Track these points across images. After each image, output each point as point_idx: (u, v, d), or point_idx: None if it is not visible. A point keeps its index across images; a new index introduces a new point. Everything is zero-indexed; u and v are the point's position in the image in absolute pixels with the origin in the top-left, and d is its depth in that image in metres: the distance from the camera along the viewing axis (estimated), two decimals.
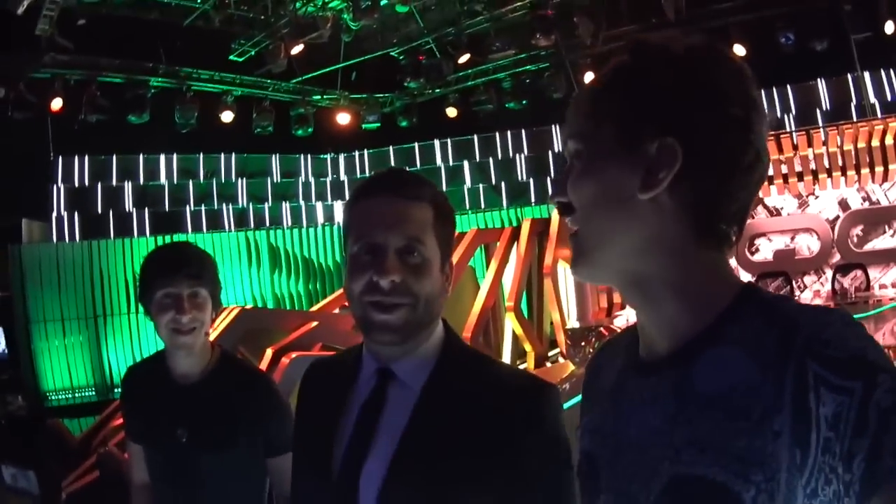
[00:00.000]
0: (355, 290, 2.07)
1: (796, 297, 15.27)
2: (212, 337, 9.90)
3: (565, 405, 2.21)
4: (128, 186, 21.08)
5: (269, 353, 10.25)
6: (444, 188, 22.13)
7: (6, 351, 17.03)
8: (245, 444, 3.28)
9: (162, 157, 21.62)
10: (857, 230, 16.54)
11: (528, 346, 13.33)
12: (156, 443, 3.39)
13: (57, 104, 16.78)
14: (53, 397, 17.80)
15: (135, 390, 3.57)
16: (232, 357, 3.63)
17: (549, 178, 21.96)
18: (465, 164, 23.53)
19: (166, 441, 3.30)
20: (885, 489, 1.17)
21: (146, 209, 21.02)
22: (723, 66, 1.43)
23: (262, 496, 3.43)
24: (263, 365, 10.02)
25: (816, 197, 16.87)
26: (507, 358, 13.42)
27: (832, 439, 1.22)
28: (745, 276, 16.42)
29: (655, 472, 1.40)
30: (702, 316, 1.43)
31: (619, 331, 1.60)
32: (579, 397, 1.79)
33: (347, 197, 2.38)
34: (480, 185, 23.29)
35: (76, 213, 20.12)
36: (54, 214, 19.95)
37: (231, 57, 18.82)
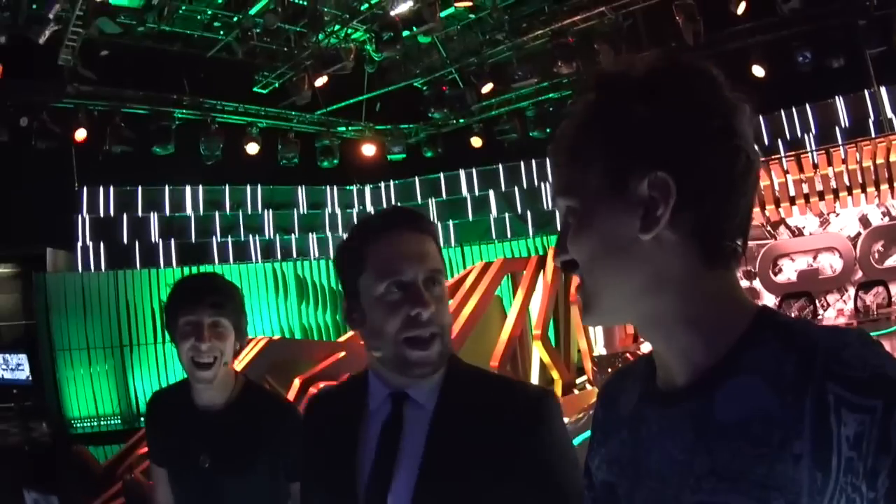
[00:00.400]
0: (391, 329, 2.11)
1: (819, 316, 15.39)
2: (239, 367, 9.99)
3: None
4: (153, 217, 21.23)
5: (296, 383, 10.31)
6: (470, 218, 22.29)
7: (30, 378, 17.11)
8: (267, 470, 3.31)
9: (188, 189, 21.78)
10: (878, 246, 16.46)
11: (555, 374, 13.33)
12: (180, 468, 3.42)
13: (81, 135, 16.90)
14: (78, 425, 17.85)
15: (159, 416, 3.61)
16: (255, 385, 3.65)
17: None
18: (491, 193, 23.54)
19: (190, 467, 3.33)
20: None
21: (172, 240, 21.14)
22: (691, 79, 1.40)
23: None
24: (291, 395, 10.07)
25: (837, 215, 16.82)
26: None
27: (854, 459, 1.21)
28: (770, 298, 16.42)
29: (677, 502, 1.39)
30: (718, 344, 1.41)
31: None
32: None
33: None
34: (506, 214, 23.26)
35: (101, 243, 20.24)
36: (79, 244, 20.08)
37: (255, 89, 18.97)
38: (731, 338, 1.39)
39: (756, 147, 1.43)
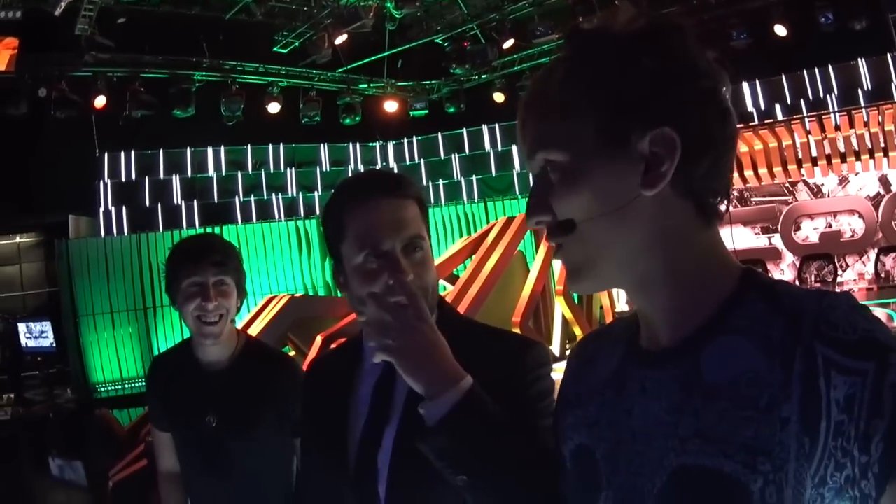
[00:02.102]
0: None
1: (839, 279, 15.35)
2: (261, 325, 9.95)
3: None
4: (175, 179, 21.30)
5: (318, 340, 10.29)
6: (493, 173, 22.23)
7: (54, 345, 17.23)
8: (273, 426, 3.34)
9: (209, 150, 21.84)
10: None
11: (577, 330, 13.35)
12: (186, 429, 3.45)
13: (100, 102, 16.95)
14: (103, 389, 18.01)
15: (163, 379, 3.62)
16: (257, 343, 3.70)
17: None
18: (514, 148, 23.28)
19: (197, 427, 3.36)
20: None
21: (195, 201, 21.21)
22: (681, 38, 1.38)
23: (290, 476, 3.47)
24: (313, 351, 10.09)
25: (857, 174, 16.72)
26: (556, 341, 13.44)
27: (845, 422, 1.20)
28: (790, 258, 16.37)
29: (660, 465, 1.38)
30: (704, 304, 1.40)
31: None
32: None
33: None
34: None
35: (124, 208, 20.34)
36: (101, 209, 20.20)
37: (275, 49, 18.92)
38: (717, 298, 1.40)
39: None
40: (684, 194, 1.37)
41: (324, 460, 2.27)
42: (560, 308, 13.40)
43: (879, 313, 12.01)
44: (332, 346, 10.04)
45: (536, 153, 1.43)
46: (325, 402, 2.31)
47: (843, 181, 16.79)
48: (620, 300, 14.60)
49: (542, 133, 1.43)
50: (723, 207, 1.43)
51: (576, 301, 13.73)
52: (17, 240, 20.60)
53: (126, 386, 18.17)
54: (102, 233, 19.77)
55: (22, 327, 17.58)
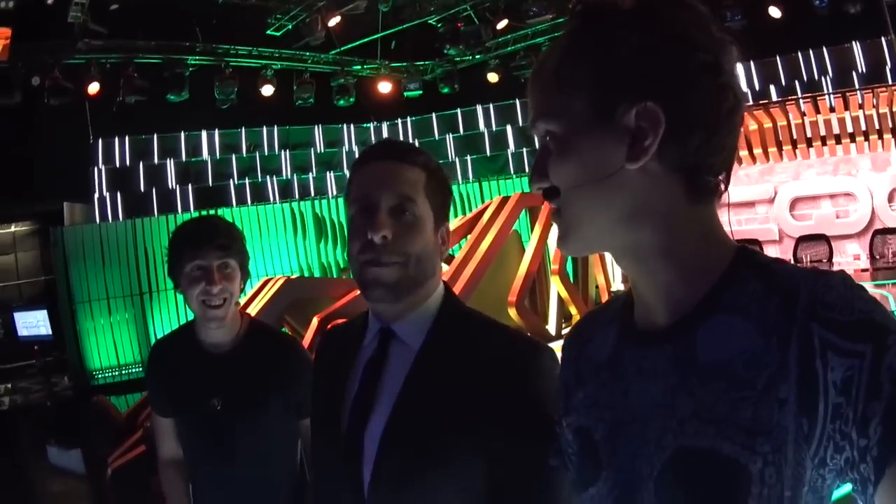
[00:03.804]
0: (353, 251, 2.12)
1: (835, 261, 15.34)
2: (257, 308, 9.93)
3: None
4: (170, 164, 21.27)
5: (314, 321, 10.28)
6: (488, 153, 22.19)
7: (51, 333, 17.23)
8: (277, 408, 3.32)
9: (204, 134, 21.81)
10: None
11: (573, 310, 13.31)
12: (190, 413, 3.42)
13: (94, 88, 16.92)
14: (100, 376, 18.02)
15: (166, 363, 3.58)
16: (260, 324, 3.66)
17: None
18: (508, 128, 23.42)
19: (201, 411, 3.33)
20: None
21: (189, 185, 21.21)
22: (679, 12, 1.37)
23: (295, 458, 3.47)
24: (309, 333, 10.09)
25: (850, 156, 16.65)
26: (552, 321, 13.45)
27: (843, 405, 1.20)
28: (788, 240, 16.35)
29: (659, 446, 1.38)
30: (699, 282, 1.40)
31: None
32: None
33: None
34: (524, 149, 23.16)
35: (118, 193, 20.33)
36: (96, 195, 20.18)
37: (268, 31, 18.82)
38: (712, 276, 1.40)
39: (744, 89, 1.44)
40: (674, 169, 1.37)
41: (321, 437, 2.28)
42: (556, 287, 13.37)
43: (877, 294, 12.04)
44: (335, 322, 10.11)
45: (537, 123, 1.46)
46: (328, 378, 2.31)
47: (840, 165, 16.73)
48: (616, 279, 14.61)
49: (541, 103, 1.45)
50: (723, 185, 1.43)
51: (571, 280, 13.73)
52: (13, 228, 20.55)
53: (123, 372, 18.20)
54: (97, 219, 19.75)
55: (18, 316, 17.59)
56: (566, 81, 1.41)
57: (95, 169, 20.30)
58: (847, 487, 1.25)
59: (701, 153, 1.36)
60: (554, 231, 11.94)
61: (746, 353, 1.29)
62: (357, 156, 2.23)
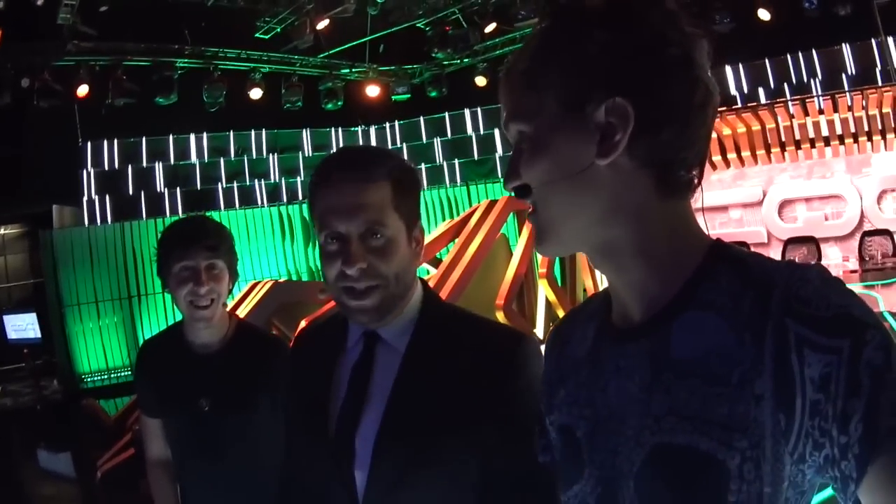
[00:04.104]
0: (329, 278, 2.11)
1: (824, 263, 15.32)
2: (245, 311, 9.89)
3: None
4: (158, 167, 21.26)
5: (302, 324, 10.26)
6: (476, 157, 22.18)
7: (40, 336, 17.18)
8: (266, 409, 3.31)
9: (192, 137, 21.78)
10: (887, 196, 16.27)
11: (561, 313, 13.24)
12: (178, 414, 3.41)
13: (83, 90, 16.87)
14: (89, 379, 17.95)
15: (153, 364, 3.57)
16: (248, 325, 3.66)
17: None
18: (496, 132, 23.42)
19: (189, 411, 3.32)
20: (886, 449, 1.14)
21: (178, 188, 21.20)
22: (649, 9, 1.37)
23: (282, 458, 3.47)
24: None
25: (839, 158, 16.67)
26: (540, 324, 13.44)
27: (822, 401, 1.19)
28: (777, 242, 16.38)
29: (637, 443, 1.38)
30: (673, 278, 1.40)
31: None
32: None
33: None
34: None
35: (107, 196, 20.30)
36: (85, 198, 20.14)
37: (257, 35, 18.81)
38: (685, 271, 1.39)
39: (714, 80, 1.42)
40: (646, 165, 1.37)
41: (304, 437, 2.27)
42: (543, 291, 13.35)
43: (866, 296, 12.06)
44: (315, 319, 10.10)
45: (510, 124, 1.47)
46: (308, 380, 2.31)
47: (829, 168, 16.75)
48: (603, 283, 14.58)
49: (513, 104, 1.46)
50: (696, 181, 1.43)
51: (559, 283, 13.72)
52: (1, 231, 20.50)
53: (112, 375, 18.13)
54: (86, 222, 19.72)
55: (7, 319, 17.55)
56: (536, 81, 1.41)
57: (84, 171, 20.27)
58: (829, 491, 1.25)
59: (673, 147, 1.36)
60: None
61: (720, 349, 1.29)
62: (316, 168, 2.20)
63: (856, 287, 11.54)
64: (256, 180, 22.40)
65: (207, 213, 14.90)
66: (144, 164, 21.11)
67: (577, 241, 1.46)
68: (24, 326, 17.54)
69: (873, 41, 17.62)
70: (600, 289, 5.97)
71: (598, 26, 1.35)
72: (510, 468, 1.98)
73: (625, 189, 1.38)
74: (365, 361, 2.18)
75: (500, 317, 12.01)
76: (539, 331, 13.23)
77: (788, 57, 18.72)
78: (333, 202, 2.09)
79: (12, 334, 17.52)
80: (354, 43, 20.31)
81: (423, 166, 23.17)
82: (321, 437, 2.16)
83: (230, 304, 11.59)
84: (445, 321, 2.24)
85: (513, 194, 1.48)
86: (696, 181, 1.42)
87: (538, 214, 1.45)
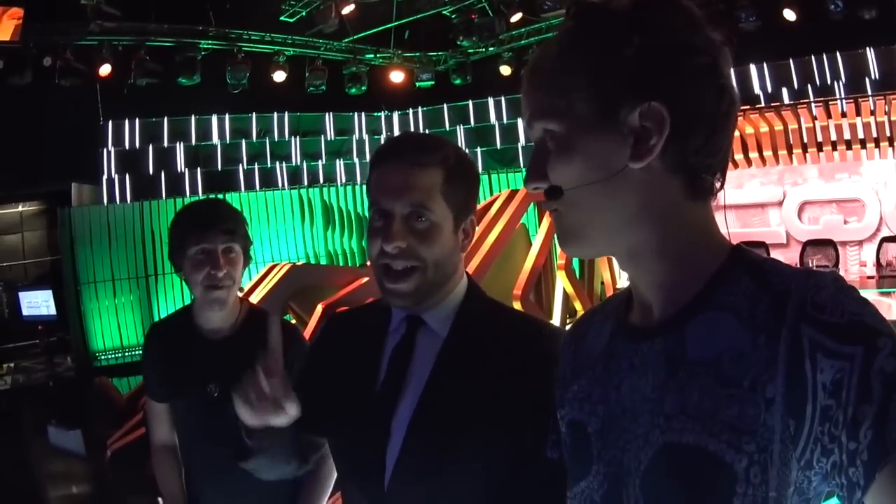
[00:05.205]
0: (371, 253, 2.17)
1: (841, 266, 15.27)
2: (262, 294, 9.88)
3: None
4: (179, 147, 21.26)
5: (319, 308, 10.27)
6: (498, 145, 22.13)
7: (55, 313, 17.23)
8: None
9: (214, 118, 21.74)
10: None
11: (578, 305, 13.25)
12: (187, 398, 3.43)
13: (105, 70, 16.88)
14: (102, 357, 18.00)
15: (163, 347, 3.58)
16: (259, 310, 3.63)
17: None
18: (519, 121, 23.17)
19: (198, 396, 3.33)
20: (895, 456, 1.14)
21: (198, 169, 21.23)
22: (676, 14, 1.38)
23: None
24: (313, 320, 10.07)
25: (860, 162, 16.58)
26: (557, 316, 13.41)
27: (832, 407, 1.19)
28: (795, 244, 16.31)
29: (646, 441, 1.39)
30: (694, 280, 1.41)
31: None
32: None
33: None
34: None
35: (127, 175, 20.36)
36: (105, 177, 20.18)
37: (282, 18, 18.83)
38: (706, 274, 1.41)
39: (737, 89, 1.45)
40: (675, 169, 1.38)
41: (340, 416, 2.27)
42: (561, 282, 13.33)
43: (882, 302, 11.99)
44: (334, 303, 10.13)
45: (535, 122, 1.47)
46: (347, 361, 2.33)
47: (852, 172, 16.65)
48: (623, 276, 14.55)
49: (540, 103, 1.45)
50: (719, 184, 1.45)
51: (577, 276, 13.69)
52: (20, 208, 20.55)
53: (126, 354, 18.14)
54: (105, 200, 19.75)
55: (22, 296, 17.60)
56: (566, 81, 1.41)
57: (105, 150, 20.28)
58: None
59: (701, 153, 1.38)
60: None
61: (733, 351, 1.30)
62: (376, 150, 2.25)
63: (872, 293, 11.51)
64: (277, 163, 22.39)
65: (227, 195, 15.08)
66: (166, 144, 21.10)
67: (606, 243, 1.47)
68: (38, 303, 17.56)
69: None
70: (618, 282, 6.09)
71: (628, 29, 1.36)
72: (542, 461, 1.95)
73: (654, 193, 1.40)
74: (406, 344, 2.22)
75: (517, 307, 11.99)
76: (555, 322, 13.19)
77: (812, 58, 18.58)
78: (384, 181, 2.15)
79: (27, 311, 17.56)
80: (379, 28, 20.27)
81: None
82: (358, 417, 2.18)
83: (247, 286, 11.68)
84: (488, 313, 2.27)
85: (538, 191, 1.47)
86: (718, 185, 1.44)
87: (566, 216, 1.46)
